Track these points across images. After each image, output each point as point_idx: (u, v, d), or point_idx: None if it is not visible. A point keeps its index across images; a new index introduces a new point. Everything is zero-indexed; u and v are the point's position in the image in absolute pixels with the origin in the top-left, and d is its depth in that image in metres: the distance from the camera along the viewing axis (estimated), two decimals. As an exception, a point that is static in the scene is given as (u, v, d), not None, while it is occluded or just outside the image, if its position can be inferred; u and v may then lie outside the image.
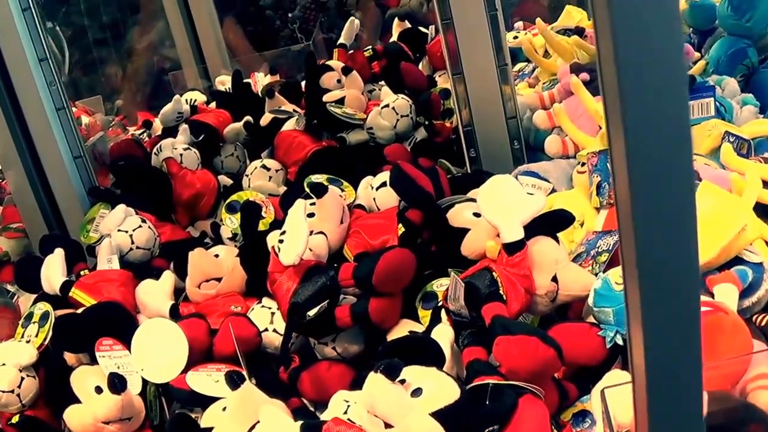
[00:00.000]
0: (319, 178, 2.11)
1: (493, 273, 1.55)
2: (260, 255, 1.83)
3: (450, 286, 1.58)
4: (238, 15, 4.02)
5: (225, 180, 2.52)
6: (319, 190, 1.89)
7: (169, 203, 2.41)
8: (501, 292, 1.53)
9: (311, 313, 1.64)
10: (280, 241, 1.72)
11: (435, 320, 1.66)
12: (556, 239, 1.64)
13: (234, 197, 2.21)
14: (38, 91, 2.36)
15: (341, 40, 2.86)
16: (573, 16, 2.97)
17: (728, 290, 1.46)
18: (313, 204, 1.88)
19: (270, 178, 2.42)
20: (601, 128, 1.98)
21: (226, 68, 3.61)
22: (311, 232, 1.80)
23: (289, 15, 3.88)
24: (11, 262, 2.54)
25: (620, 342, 1.45)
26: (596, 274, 1.61)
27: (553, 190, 2.04)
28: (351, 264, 1.70)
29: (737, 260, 1.55)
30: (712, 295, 1.46)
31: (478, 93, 2.20)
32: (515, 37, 3.03)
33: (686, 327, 0.88)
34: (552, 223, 1.65)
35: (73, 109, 3.25)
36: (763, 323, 1.49)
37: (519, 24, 3.26)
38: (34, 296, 2.10)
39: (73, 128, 2.45)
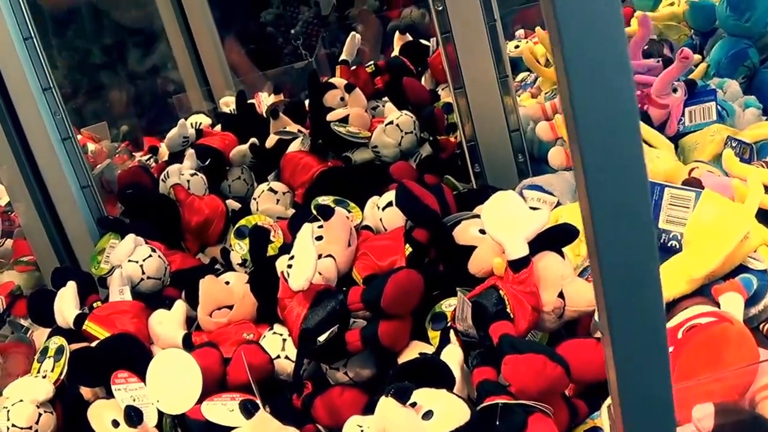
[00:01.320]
0: (326, 200, 2.12)
1: (500, 291, 1.56)
2: (270, 281, 1.84)
3: (457, 307, 1.58)
4: (240, 33, 4.03)
5: (233, 204, 2.54)
6: (327, 213, 1.90)
7: (178, 230, 2.42)
8: (508, 310, 1.53)
9: (322, 338, 1.64)
10: (289, 266, 1.73)
11: (444, 341, 1.66)
12: (562, 254, 1.64)
13: (242, 222, 2.21)
14: (43, 121, 2.38)
15: (343, 57, 2.87)
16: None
17: (734, 299, 1.46)
18: (321, 227, 1.89)
19: (278, 200, 2.43)
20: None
21: (230, 89, 3.63)
22: (320, 256, 1.80)
23: (291, 31, 3.88)
24: (24, 295, 2.56)
25: (629, 355, 1.46)
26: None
27: (558, 203, 2.04)
28: (359, 288, 1.70)
29: (741, 268, 1.55)
30: (718, 305, 1.46)
31: (480, 107, 2.20)
32: (516, 47, 3.04)
33: (653, 345, 0.88)
34: (557, 237, 1.64)
35: (79, 136, 3.29)
36: None
37: (520, 32, 3.26)
38: (48, 330, 2.11)
39: (79, 157, 2.47)
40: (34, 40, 2.37)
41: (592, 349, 1.49)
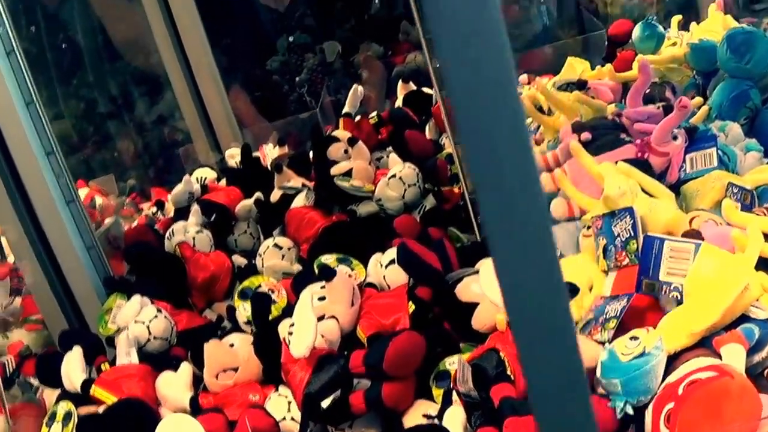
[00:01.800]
0: (328, 258, 2.14)
1: (500, 354, 1.57)
2: (274, 343, 1.87)
3: (458, 370, 1.60)
4: (245, 81, 4.08)
5: (239, 260, 2.56)
6: (329, 274, 1.92)
7: (184, 287, 2.44)
8: (508, 372, 1.55)
9: (325, 403, 1.66)
10: (290, 333, 1.75)
11: (447, 401, 1.68)
12: (561, 312, 1.65)
13: (246, 283, 2.23)
14: (47, 185, 2.41)
15: (346, 109, 2.90)
16: (575, 67, 2.98)
17: (735, 350, 1.46)
18: (323, 287, 1.91)
19: (283, 256, 2.44)
20: (603, 190, 1.99)
21: (236, 140, 3.66)
22: (323, 317, 1.84)
23: (297, 79, 3.92)
24: (33, 355, 2.58)
25: (630, 412, 1.47)
26: (605, 342, 1.62)
27: (561, 255, 2.05)
28: (361, 351, 1.73)
29: (743, 318, 1.55)
30: (720, 356, 1.47)
31: (481, 160, 2.21)
32: (519, 93, 3.06)
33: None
34: (556, 296, 1.65)
35: (86, 189, 3.32)
36: None
37: (523, 77, 3.27)
38: (57, 390, 2.13)
39: (84, 219, 2.50)
40: (36, 104, 2.40)
41: (595, 405, 1.48)
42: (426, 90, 3.00)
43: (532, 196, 0.80)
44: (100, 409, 1.95)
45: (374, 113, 3.00)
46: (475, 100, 0.77)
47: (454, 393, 1.65)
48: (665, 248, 1.71)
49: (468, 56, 0.76)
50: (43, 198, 2.42)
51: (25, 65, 2.39)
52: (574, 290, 1.67)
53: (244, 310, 2.16)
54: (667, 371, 1.49)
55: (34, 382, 2.45)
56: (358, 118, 2.93)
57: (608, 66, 2.87)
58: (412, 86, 3.03)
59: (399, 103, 3.05)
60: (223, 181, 3.05)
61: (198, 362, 2.02)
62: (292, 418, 1.81)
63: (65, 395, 2.05)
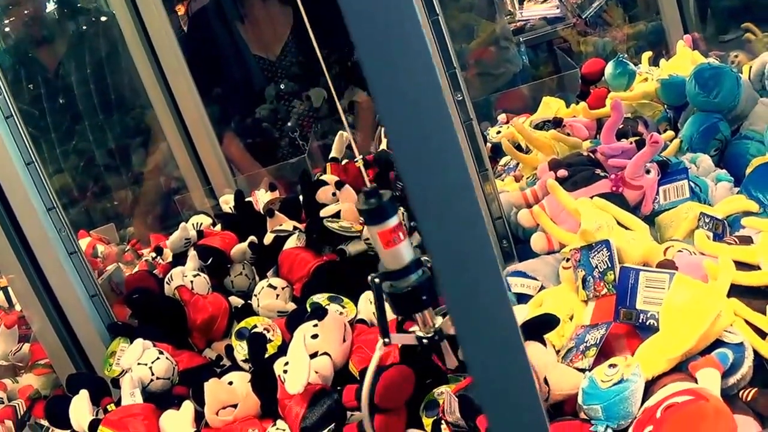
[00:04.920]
0: (320, 297, 2.22)
1: None
2: (271, 380, 1.94)
3: (445, 401, 1.67)
4: (236, 129, 4.14)
5: (236, 301, 2.62)
6: (320, 314, 2.00)
7: (184, 329, 2.50)
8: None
9: (320, 436, 1.75)
10: (285, 371, 1.83)
11: (437, 428, 1.75)
12: (544, 342, 1.73)
13: (243, 324, 2.30)
14: (49, 239, 2.46)
15: (333, 154, 2.98)
16: (551, 106, 3.06)
17: (710, 374, 1.52)
18: (316, 326, 2.00)
19: (277, 296, 2.50)
20: (581, 225, 2.06)
21: (230, 187, 3.72)
22: (316, 353, 1.91)
23: (288, 123, 3.99)
24: (43, 397, 2.64)
25: (611, 435, 1.52)
26: (585, 369, 1.68)
27: (542, 287, 2.13)
28: (353, 386, 1.81)
29: (718, 343, 1.62)
30: (696, 381, 1.53)
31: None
32: (498, 132, 3.13)
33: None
34: (538, 327, 1.72)
35: (88, 238, 3.40)
36: (749, 398, 1.55)
37: (502, 116, 3.35)
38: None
39: (86, 269, 2.55)
40: (36, 164, 2.46)
41: (578, 430, 1.58)
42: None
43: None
44: (108, 449, 2.02)
45: (359, 157, 3.07)
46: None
47: (443, 423, 1.74)
48: (641, 278, 1.77)
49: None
50: (46, 252, 2.48)
51: (23, 128, 2.46)
52: (554, 321, 1.75)
53: (241, 349, 2.24)
54: (646, 395, 1.55)
55: (45, 423, 2.51)
56: (344, 162, 3.02)
57: (582, 104, 2.94)
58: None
59: (383, 145, 3.13)
60: (218, 226, 3.13)
61: (199, 400, 2.08)
62: (290, 451, 1.89)
63: (74, 435, 2.13)
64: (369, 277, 1.43)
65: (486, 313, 0.94)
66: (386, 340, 1.49)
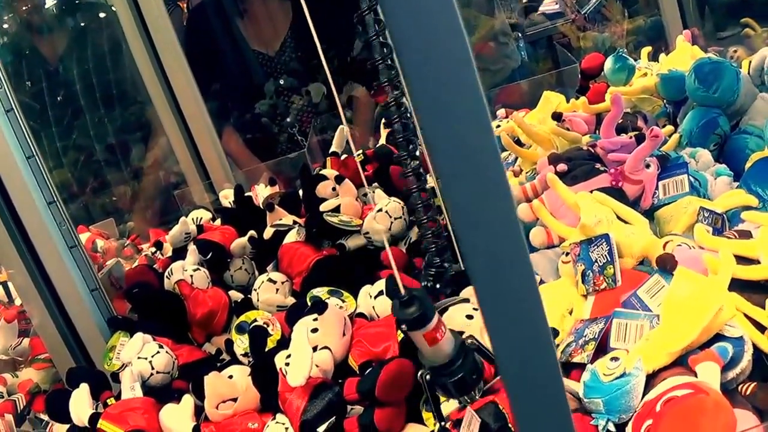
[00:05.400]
0: (320, 291, 2.22)
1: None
2: (271, 373, 1.94)
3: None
4: (236, 125, 4.15)
5: (236, 295, 2.63)
6: (321, 308, 2.00)
7: (184, 323, 2.51)
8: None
9: (320, 429, 1.74)
10: (287, 364, 1.83)
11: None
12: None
13: (243, 318, 2.30)
14: (49, 233, 2.47)
15: (333, 149, 2.98)
16: (551, 101, 3.05)
17: (710, 368, 1.52)
18: (316, 320, 2.00)
19: (277, 290, 2.51)
20: (580, 219, 2.06)
21: (230, 181, 3.72)
22: (316, 347, 1.91)
23: (288, 119, 4.00)
24: (42, 392, 2.65)
25: (612, 429, 1.53)
26: (584, 363, 1.68)
27: (541, 281, 2.13)
28: (355, 379, 1.81)
29: (718, 337, 1.61)
30: (696, 374, 1.53)
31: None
32: (498, 126, 3.13)
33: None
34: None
35: (88, 233, 3.40)
36: (748, 392, 1.54)
37: (501, 111, 3.34)
38: (66, 426, 2.19)
39: (86, 263, 2.56)
40: (36, 158, 2.47)
41: (579, 422, 1.56)
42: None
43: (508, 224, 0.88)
44: (108, 442, 2.02)
45: (360, 152, 3.07)
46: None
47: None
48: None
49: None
50: (46, 245, 2.48)
51: (24, 122, 2.47)
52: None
53: (241, 343, 2.24)
54: (646, 389, 1.55)
55: (44, 417, 2.51)
56: (344, 156, 3.03)
57: (582, 99, 2.93)
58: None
59: (383, 140, 3.13)
60: (218, 221, 3.14)
61: (199, 394, 2.08)
62: (290, 445, 1.89)
63: (74, 429, 2.13)
64: (419, 375, 1.51)
65: (518, 312, 0.94)
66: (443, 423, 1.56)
